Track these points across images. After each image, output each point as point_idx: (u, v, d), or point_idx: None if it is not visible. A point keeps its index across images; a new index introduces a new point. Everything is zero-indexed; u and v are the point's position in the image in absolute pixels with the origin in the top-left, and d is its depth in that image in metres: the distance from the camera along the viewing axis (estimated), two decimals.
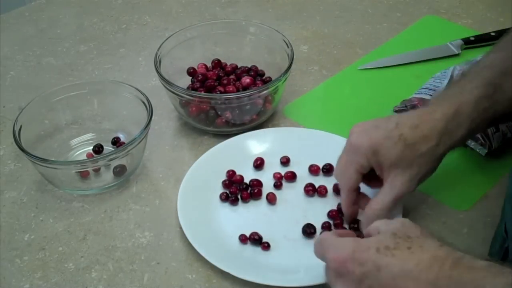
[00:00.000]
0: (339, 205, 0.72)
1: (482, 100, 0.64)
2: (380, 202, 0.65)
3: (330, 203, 0.74)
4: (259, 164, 0.78)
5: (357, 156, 0.65)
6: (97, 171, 0.78)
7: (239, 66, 0.91)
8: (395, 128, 0.63)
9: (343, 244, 0.54)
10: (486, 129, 0.70)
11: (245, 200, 0.74)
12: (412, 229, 0.53)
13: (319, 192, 0.75)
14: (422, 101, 0.83)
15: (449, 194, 0.75)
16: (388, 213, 0.64)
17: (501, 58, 0.67)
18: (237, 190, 0.75)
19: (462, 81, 0.67)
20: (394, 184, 0.64)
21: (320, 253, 0.57)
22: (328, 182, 0.75)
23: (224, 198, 0.74)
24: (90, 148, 0.82)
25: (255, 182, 0.75)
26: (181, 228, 0.70)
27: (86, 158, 0.80)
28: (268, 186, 0.76)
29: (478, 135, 0.77)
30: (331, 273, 0.55)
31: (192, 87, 0.88)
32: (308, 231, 0.69)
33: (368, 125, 0.66)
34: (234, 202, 0.74)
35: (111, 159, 0.74)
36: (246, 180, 0.76)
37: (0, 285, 0.66)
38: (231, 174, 0.77)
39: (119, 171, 0.77)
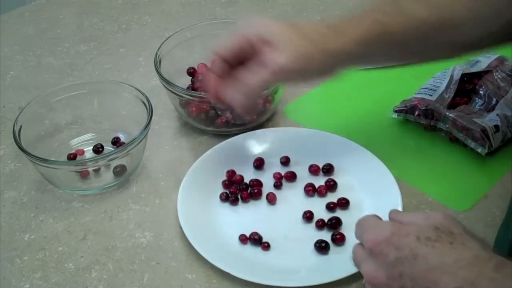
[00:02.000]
0: (339, 200, 0.73)
1: (376, 12, 0.64)
2: (258, 79, 0.63)
3: None
4: (259, 164, 0.78)
5: (247, 26, 0.65)
6: (97, 171, 0.78)
7: None
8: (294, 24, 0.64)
9: (382, 226, 0.52)
10: (383, 50, 0.67)
11: (245, 200, 0.74)
12: (455, 225, 0.51)
13: (319, 192, 0.75)
14: (422, 101, 0.83)
15: (449, 194, 0.75)
16: (262, 89, 0.66)
17: None
18: (237, 190, 0.75)
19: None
20: (273, 60, 0.62)
21: (359, 234, 0.55)
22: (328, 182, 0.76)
23: (224, 198, 0.74)
24: (90, 148, 0.82)
25: (255, 182, 0.75)
26: (181, 228, 0.70)
27: (86, 158, 0.80)
28: (268, 186, 0.76)
29: (478, 135, 0.77)
30: (362, 252, 0.53)
31: (192, 87, 0.88)
32: (307, 215, 0.71)
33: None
34: (234, 202, 0.74)
35: (111, 159, 0.74)
36: (246, 180, 0.76)
37: (0, 285, 0.66)
38: (231, 174, 0.77)
39: (119, 171, 0.77)
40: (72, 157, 0.80)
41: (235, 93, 0.65)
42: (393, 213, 0.56)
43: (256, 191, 0.74)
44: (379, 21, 0.63)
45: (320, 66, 0.64)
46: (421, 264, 0.48)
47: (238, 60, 0.66)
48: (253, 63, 0.64)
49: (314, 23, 0.64)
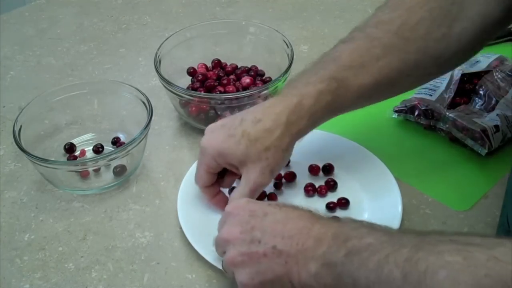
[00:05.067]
0: (339, 200, 0.73)
1: (324, 94, 0.65)
2: (239, 195, 0.66)
3: None
4: None
5: (205, 158, 0.67)
6: (97, 171, 0.78)
7: (239, 66, 0.92)
8: (239, 125, 0.65)
9: (238, 199, 0.62)
10: (330, 118, 0.70)
11: None
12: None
13: (319, 192, 0.75)
14: (422, 101, 0.83)
15: (449, 194, 0.75)
16: None
17: (349, 51, 0.67)
18: None
19: (310, 71, 0.68)
20: (248, 179, 0.66)
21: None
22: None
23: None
24: (90, 148, 0.82)
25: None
26: (181, 228, 0.70)
27: (86, 157, 0.80)
28: (268, 186, 0.76)
29: (478, 135, 0.77)
30: (222, 219, 0.62)
31: (192, 87, 0.88)
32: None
33: (218, 124, 0.68)
34: None
35: (111, 159, 0.74)
36: None
37: (0, 285, 0.66)
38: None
39: (119, 171, 0.77)
40: (72, 157, 0.80)
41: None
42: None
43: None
44: (328, 103, 0.66)
45: (284, 161, 0.68)
46: (270, 218, 0.57)
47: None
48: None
49: (263, 119, 0.65)
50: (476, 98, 0.84)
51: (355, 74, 0.66)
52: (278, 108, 0.65)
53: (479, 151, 0.77)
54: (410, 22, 0.66)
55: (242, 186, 0.66)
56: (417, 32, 0.66)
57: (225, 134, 0.65)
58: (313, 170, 0.78)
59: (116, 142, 0.82)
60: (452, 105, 0.83)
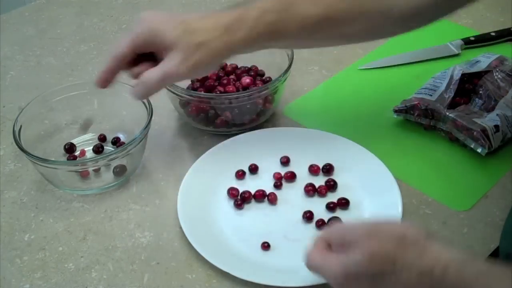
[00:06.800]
0: (339, 200, 0.73)
1: (268, 12, 0.66)
2: (149, 73, 0.67)
3: None
4: (254, 167, 0.78)
5: (138, 27, 0.68)
6: (97, 171, 0.78)
7: (239, 66, 0.91)
8: (181, 15, 0.68)
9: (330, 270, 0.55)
10: (272, 44, 0.70)
11: (247, 200, 0.74)
12: (387, 245, 0.53)
13: (319, 192, 0.75)
14: (422, 101, 0.83)
15: (449, 194, 0.75)
16: (156, 88, 0.68)
17: None
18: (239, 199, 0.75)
19: None
20: (165, 62, 0.66)
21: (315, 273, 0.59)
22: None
23: (232, 196, 0.74)
24: (90, 148, 0.82)
25: (246, 195, 0.74)
26: (181, 228, 0.70)
27: (86, 157, 0.80)
28: (268, 186, 0.76)
29: (478, 135, 0.77)
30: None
31: (192, 87, 0.88)
32: (307, 215, 0.71)
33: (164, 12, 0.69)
34: (239, 205, 0.74)
35: (111, 159, 0.74)
36: (246, 183, 0.77)
37: (0, 285, 0.66)
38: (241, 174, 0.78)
39: (119, 171, 0.77)
40: (72, 157, 0.80)
41: (135, 88, 0.69)
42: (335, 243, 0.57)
43: (257, 193, 0.74)
44: (271, 23, 0.66)
45: (210, 66, 0.70)
46: None
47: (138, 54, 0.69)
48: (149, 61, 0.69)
49: (206, 18, 0.67)
50: (476, 98, 0.84)
51: (303, 2, 0.67)
52: (222, 14, 0.66)
53: (479, 151, 0.77)
54: None
55: (156, 68, 0.66)
56: None
57: (167, 16, 0.67)
58: (313, 170, 0.78)
59: (116, 142, 0.82)
60: (452, 105, 0.83)
